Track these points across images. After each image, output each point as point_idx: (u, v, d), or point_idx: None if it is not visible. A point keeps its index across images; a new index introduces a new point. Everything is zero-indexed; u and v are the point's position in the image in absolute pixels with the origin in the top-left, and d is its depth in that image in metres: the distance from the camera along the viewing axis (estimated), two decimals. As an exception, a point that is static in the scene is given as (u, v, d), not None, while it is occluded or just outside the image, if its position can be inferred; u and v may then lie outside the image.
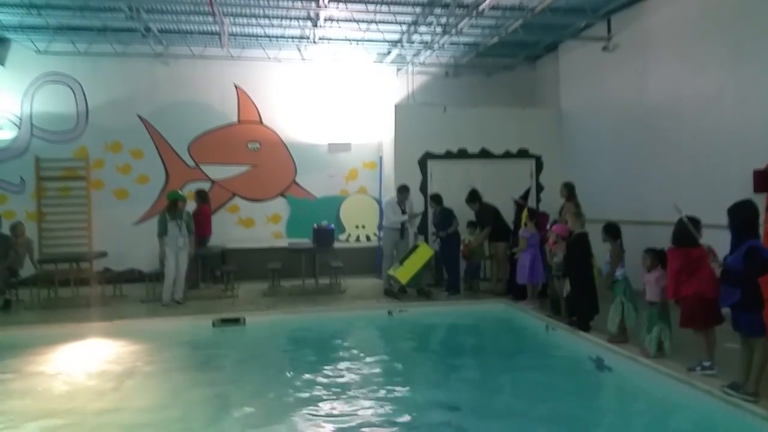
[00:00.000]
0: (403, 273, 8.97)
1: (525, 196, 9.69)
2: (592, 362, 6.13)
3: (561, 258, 7.18)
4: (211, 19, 9.72)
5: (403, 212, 9.60)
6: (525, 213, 8.51)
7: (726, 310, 4.84)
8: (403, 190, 9.73)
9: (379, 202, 12.03)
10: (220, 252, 10.64)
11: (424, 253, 9.15)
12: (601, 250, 6.76)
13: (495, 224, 9.35)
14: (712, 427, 4.59)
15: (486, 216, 9.37)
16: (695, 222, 5.04)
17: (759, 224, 4.61)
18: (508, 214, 9.43)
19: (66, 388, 5.78)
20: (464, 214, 9.76)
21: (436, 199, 9.73)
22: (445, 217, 9.46)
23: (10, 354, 6.82)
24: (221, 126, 12.02)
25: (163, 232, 8.84)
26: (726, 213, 4.65)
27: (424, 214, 10.77)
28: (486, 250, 9.73)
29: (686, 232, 4.94)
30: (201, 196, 10.76)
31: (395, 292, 9.26)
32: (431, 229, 10.13)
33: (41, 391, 5.68)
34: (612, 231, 6.43)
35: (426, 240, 10.27)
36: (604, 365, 6.01)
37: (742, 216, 4.56)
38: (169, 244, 8.83)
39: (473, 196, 9.47)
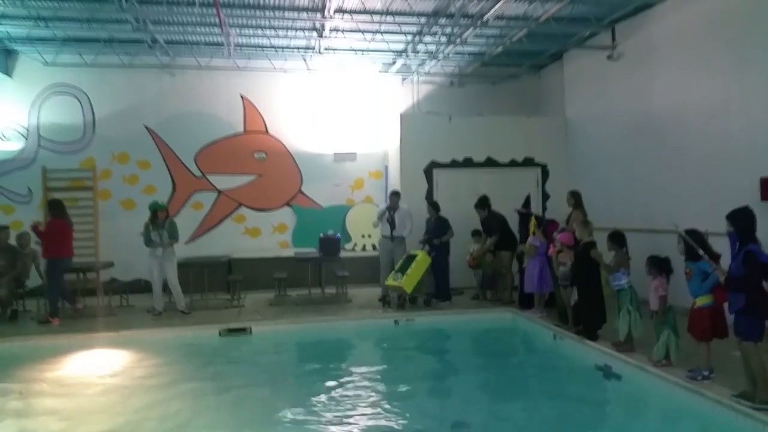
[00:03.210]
0: (408, 282, 8.92)
1: (526, 204, 9.66)
2: (599, 371, 6.10)
3: (567, 267, 7.16)
4: (217, 30, 9.79)
5: (393, 223, 9.54)
6: (533, 221, 8.48)
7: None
8: (391, 196, 9.81)
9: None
10: (226, 261, 10.64)
11: (424, 261, 9.11)
12: (607, 259, 6.73)
13: (502, 233, 9.34)
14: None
15: (493, 224, 9.36)
16: (697, 234, 5.12)
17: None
18: (513, 224, 9.39)
19: (72, 398, 5.77)
20: (468, 223, 9.77)
21: (436, 206, 9.79)
22: (442, 225, 9.50)
23: (17, 364, 6.84)
24: (227, 136, 12.07)
25: (147, 241, 8.96)
26: (727, 219, 4.77)
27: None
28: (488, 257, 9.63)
29: (689, 247, 5.10)
30: (53, 207, 9.01)
31: (398, 303, 9.18)
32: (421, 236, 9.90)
33: (47, 402, 5.68)
34: (617, 239, 6.44)
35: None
36: (612, 373, 5.98)
37: (745, 222, 4.70)
38: (152, 253, 8.99)
39: (483, 203, 9.50)
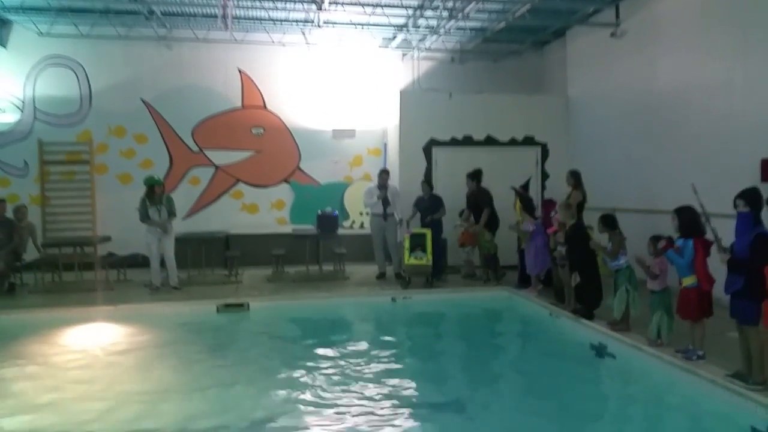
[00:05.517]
0: (431, 260, 8.97)
1: (525, 186, 9.63)
2: (594, 350, 6.12)
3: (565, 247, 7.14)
4: (215, 1, 9.62)
5: (386, 201, 9.66)
6: (518, 204, 8.45)
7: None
8: (381, 174, 9.90)
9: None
10: (224, 237, 10.61)
11: (430, 238, 9.12)
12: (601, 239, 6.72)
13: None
14: (715, 415, 4.57)
15: (483, 199, 9.34)
16: (693, 212, 5.11)
17: None
18: (507, 205, 9.30)
19: (69, 372, 5.80)
20: (457, 203, 9.76)
21: (430, 184, 9.86)
22: (435, 203, 9.53)
23: (14, 337, 6.85)
24: (225, 111, 11.95)
25: (144, 217, 8.90)
26: (741, 198, 4.63)
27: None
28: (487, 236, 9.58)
29: (683, 224, 5.16)
30: None
31: (408, 282, 9.18)
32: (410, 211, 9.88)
33: (44, 375, 5.70)
34: (608, 221, 6.42)
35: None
36: (606, 353, 6.00)
37: (760, 203, 4.59)
38: (150, 229, 8.93)
39: (476, 175, 9.49)
